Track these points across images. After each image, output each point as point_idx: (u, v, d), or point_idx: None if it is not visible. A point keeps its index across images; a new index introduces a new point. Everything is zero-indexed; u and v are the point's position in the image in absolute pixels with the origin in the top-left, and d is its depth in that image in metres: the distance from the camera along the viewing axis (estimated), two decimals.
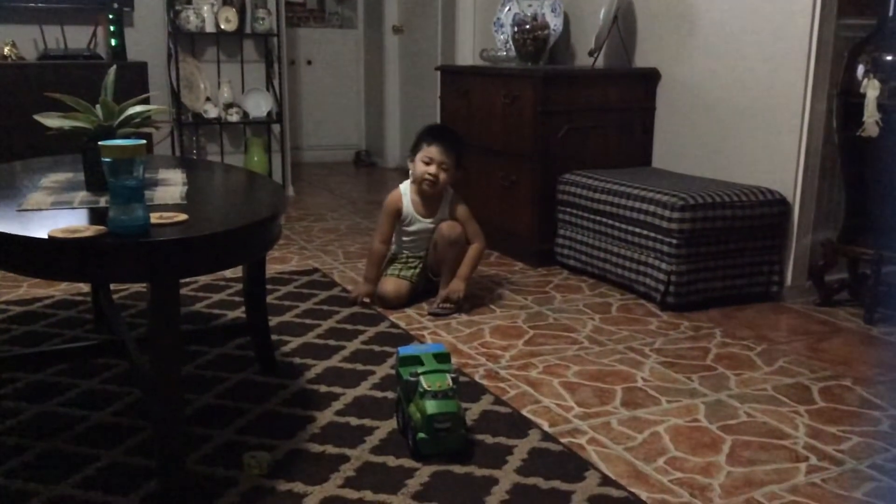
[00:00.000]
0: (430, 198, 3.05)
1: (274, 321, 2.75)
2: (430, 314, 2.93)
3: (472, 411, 2.13)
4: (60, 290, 3.12)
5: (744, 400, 2.26)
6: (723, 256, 3.04)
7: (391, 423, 2.05)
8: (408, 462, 1.87)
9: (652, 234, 3.02)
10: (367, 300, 3.00)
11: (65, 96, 2.02)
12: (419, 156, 3.00)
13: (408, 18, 6.29)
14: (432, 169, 2.97)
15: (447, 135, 3.06)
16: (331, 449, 1.92)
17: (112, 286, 2.87)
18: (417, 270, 3.05)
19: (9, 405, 2.13)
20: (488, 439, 1.98)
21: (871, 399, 2.29)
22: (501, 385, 2.33)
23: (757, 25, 3.16)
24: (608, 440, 2.01)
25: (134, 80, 4.10)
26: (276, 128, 5.16)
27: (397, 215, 3.05)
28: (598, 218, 3.29)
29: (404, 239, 3.08)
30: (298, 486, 1.76)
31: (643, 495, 1.76)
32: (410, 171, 3.06)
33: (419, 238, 3.06)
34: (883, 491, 1.80)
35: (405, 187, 3.08)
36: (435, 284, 3.04)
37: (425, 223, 3.04)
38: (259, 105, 5.03)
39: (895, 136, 2.78)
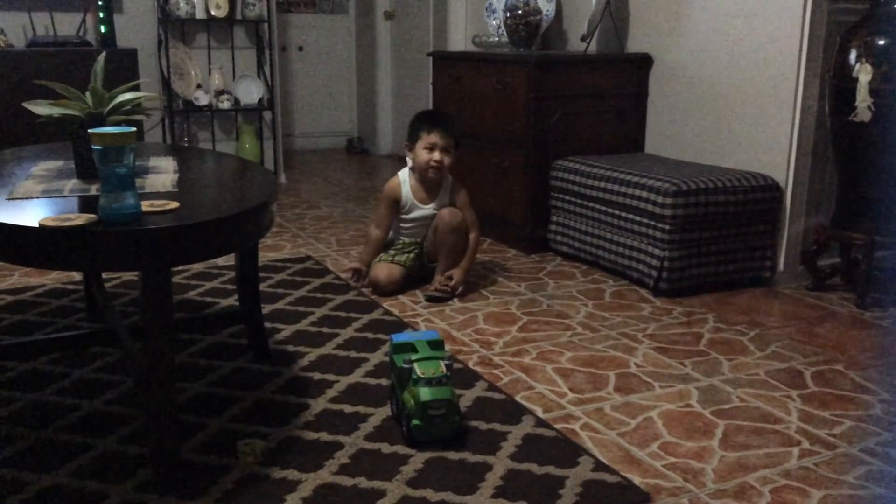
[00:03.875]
0: (430, 184, 3.04)
1: (267, 309, 2.75)
2: (425, 298, 2.93)
3: (466, 398, 2.13)
4: (52, 278, 3.11)
5: (736, 385, 2.27)
6: (715, 242, 3.04)
7: (385, 411, 2.06)
8: (402, 449, 1.87)
9: (645, 220, 3.02)
10: (354, 280, 3.03)
11: (54, 83, 2.00)
12: (420, 144, 2.98)
13: (399, 4, 6.26)
14: (437, 155, 2.95)
15: (444, 119, 3.05)
16: (325, 436, 1.92)
17: (104, 274, 2.86)
18: (412, 255, 3.04)
19: (1, 394, 2.13)
20: (482, 426, 1.99)
21: (864, 383, 2.30)
22: (495, 371, 2.34)
23: (749, 10, 3.15)
24: (602, 426, 2.02)
25: (124, 67, 4.07)
26: (267, 115, 5.13)
27: (396, 203, 3.03)
28: (590, 204, 3.29)
29: (403, 227, 3.07)
30: (293, 474, 1.76)
31: (637, 480, 1.77)
32: (409, 160, 3.04)
33: (418, 225, 3.06)
34: (875, 474, 1.82)
35: (404, 175, 3.06)
36: (430, 270, 3.04)
37: (425, 210, 3.03)
38: (250, 92, 5.00)
39: (887, 120, 2.78)
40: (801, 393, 2.23)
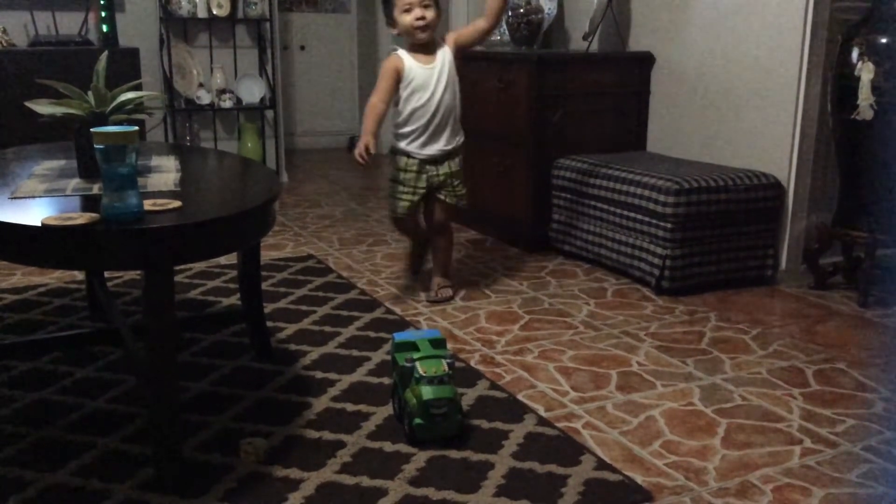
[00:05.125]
0: (424, 49, 2.87)
1: (269, 308, 2.75)
2: (427, 300, 2.93)
3: (468, 396, 2.13)
4: (55, 277, 3.11)
5: (738, 383, 2.27)
6: (718, 240, 3.04)
7: (387, 409, 2.06)
8: (404, 447, 1.87)
9: (647, 219, 3.02)
10: (370, 150, 2.76)
11: (56, 83, 2.00)
12: (396, 10, 2.83)
13: None
14: (418, 12, 2.78)
15: None
16: (327, 435, 1.93)
17: (106, 273, 2.86)
18: (421, 191, 2.91)
19: (4, 393, 2.13)
20: (484, 424, 1.99)
21: (865, 382, 2.30)
22: (497, 370, 2.34)
23: (751, 9, 3.15)
24: (604, 424, 2.02)
25: (126, 67, 4.07)
26: (269, 114, 5.14)
27: (397, 76, 2.87)
28: (592, 203, 3.29)
29: (409, 108, 2.87)
30: (295, 472, 1.76)
31: (639, 479, 1.77)
32: (395, 32, 2.91)
33: (422, 105, 2.87)
34: (877, 473, 1.82)
35: (402, 52, 2.90)
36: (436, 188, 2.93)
37: (429, 70, 2.86)
38: (252, 91, 5.00)
39: (889, 118, 2.78)
40: (803, 391, 2.23)
